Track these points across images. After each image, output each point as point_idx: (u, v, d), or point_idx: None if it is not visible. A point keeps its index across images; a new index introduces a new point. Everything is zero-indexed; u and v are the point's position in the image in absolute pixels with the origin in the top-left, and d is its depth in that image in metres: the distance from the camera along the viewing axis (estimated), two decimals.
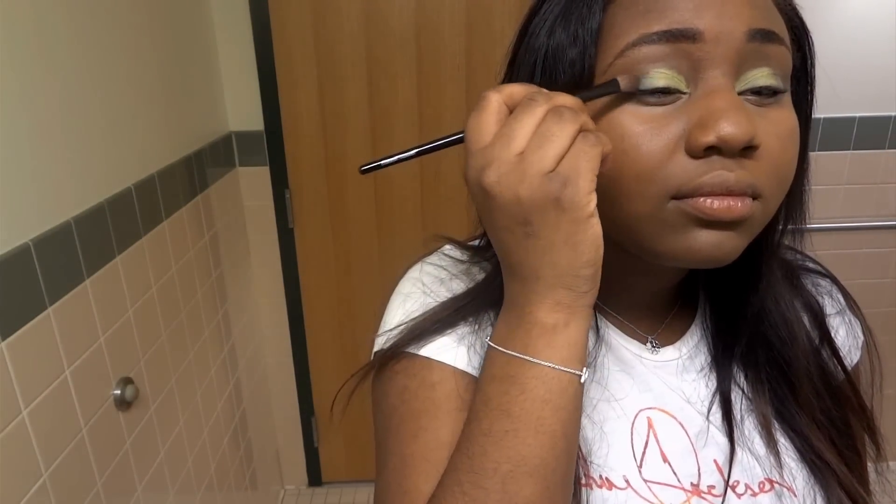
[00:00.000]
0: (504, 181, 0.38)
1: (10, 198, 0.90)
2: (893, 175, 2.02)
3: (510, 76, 0.49)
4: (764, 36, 0.40)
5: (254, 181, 1.96)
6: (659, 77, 0.40)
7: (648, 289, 0.54)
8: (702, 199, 0.40)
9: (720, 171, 0.40)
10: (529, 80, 0.46)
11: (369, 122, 1.94)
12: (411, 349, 0.49)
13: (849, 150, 1.99)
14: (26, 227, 0.93)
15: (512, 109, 0.40)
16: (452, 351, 0.49)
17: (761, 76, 0.41)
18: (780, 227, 0.50)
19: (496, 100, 0.40)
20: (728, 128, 0.38)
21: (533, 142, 0.37)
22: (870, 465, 0.55)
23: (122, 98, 1.22)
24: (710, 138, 0.39)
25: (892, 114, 1.95)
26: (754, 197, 0.40)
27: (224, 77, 1.85)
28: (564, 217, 0.37)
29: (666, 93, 0.41)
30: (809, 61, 0.46)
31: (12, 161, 0.90)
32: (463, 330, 0.50)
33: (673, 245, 0.42)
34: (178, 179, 1.46)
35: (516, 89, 0.40)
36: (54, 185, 1.00)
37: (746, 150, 0.40)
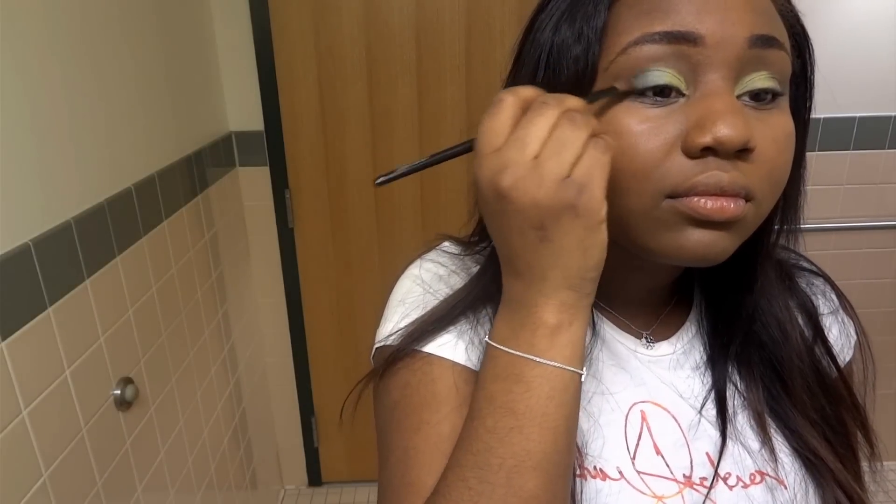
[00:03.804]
0: (521, 185, 0.38)
1: (11, 198, 0.90)
2: (893, 175, 2.03)
3: (515, 71, 0.50)
4: (765, 41, 0.41)
5: (254, 181, 1.96)
6: (660, 75, 0.41)
7: (644, 285, 0.54)
8: (695, 199, 0.41)
9: (715, 172, 0.40)
10: (534, 74, 0.46)
11: (369, 122, 1.95)
12: (413, 346, 0.50)
13: (849, 150, 1.99)
14: (26, 227, 0.93)
15: (524, 112, 0.40)
16: (452, 347, 0.50)
17: (759, 79, 0.41)
18: (775, 229, 0.50)
19: (511, 102, 0.40)
20: (724, 130, 0.39)
21: (549, 147, 0.38)
22: (865, 465, 0.55)
23: (122, 98, 1.23)
24: (706, 139, 0.39)
25: (892, 114, 1.95)
26: (747, 199, 0.41)
27: (224, 77, 1.85)
28: (578, 223, 0.38)
29: (665, 93, 0.41)
30: (809, 68, 0.47)
31: (13, 161, 0.91)
32: (462, 326, 0.50)
33: (665, 242, 0.43)
34: (178, 179, 1.47)
35: (528, 92, 0.40)
36: (54, 184, 1.01)
37: (742, 152, 0.40)
